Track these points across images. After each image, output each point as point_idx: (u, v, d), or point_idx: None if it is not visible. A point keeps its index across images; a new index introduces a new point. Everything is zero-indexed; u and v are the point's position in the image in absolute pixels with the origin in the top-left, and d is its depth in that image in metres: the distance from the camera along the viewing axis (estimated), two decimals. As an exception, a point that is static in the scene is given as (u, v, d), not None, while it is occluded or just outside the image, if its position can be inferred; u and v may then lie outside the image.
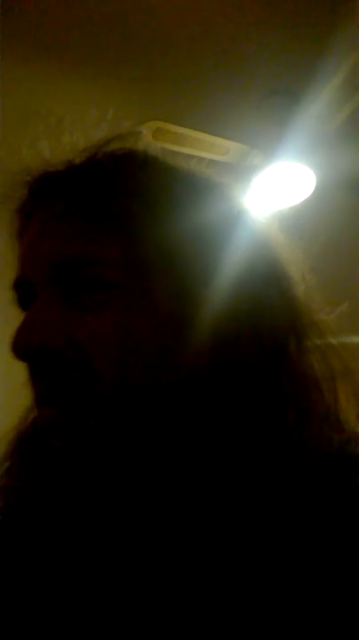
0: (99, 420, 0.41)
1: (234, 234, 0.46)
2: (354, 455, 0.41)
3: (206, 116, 2.16)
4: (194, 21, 1.94)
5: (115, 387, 0.41)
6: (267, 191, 2.06)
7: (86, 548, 0.42)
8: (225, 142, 1.99)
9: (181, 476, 0.40)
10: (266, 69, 2.11)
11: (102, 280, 0.42)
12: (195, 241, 0.44)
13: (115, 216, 0.43)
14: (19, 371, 0.49)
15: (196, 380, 0.41)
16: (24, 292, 0.47)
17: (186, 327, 0.42)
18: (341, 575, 0.36)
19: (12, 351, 0.42)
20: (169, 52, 2.05)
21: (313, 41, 1.99)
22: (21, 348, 0.42)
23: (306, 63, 2.07)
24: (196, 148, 1.94)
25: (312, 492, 0.39)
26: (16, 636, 0.40)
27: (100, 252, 0.42)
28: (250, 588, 0.37)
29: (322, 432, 0.41)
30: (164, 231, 0.44)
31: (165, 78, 2.12)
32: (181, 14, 1.92)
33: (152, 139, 1.90)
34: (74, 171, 0.48)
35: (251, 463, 0.39)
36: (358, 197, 2.16)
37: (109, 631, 0.39)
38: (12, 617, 0.41)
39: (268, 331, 0.44)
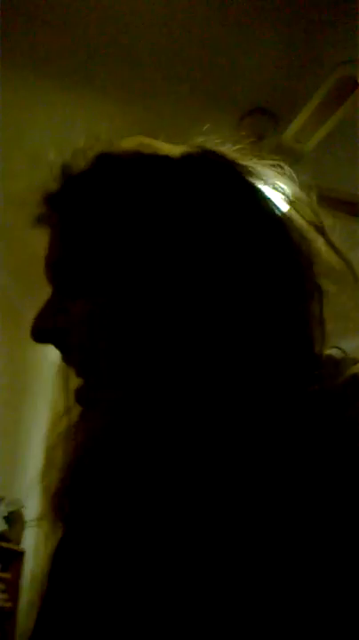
0: (96, 387, 0.51)
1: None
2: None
3: (185, 133, 2.19)
4: (178, 41, 1.99)
5: (95, 361, 0.49)
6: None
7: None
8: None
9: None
10: (245, 88, 2.16)
11: (74, 273, 0.52)
12: (147, 233, 0.49)
13: (80, 220, 0.52)
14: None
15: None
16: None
17: (130, 314, 0.48)
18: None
19: (31, 337, 0.54)
20: (149, 71, 2.09)
21: (292, 61, 2.04)
22: (33, 332, 0.54)
23: (285, 83, 2.13)
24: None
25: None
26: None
27: (70, 251, 0.53)
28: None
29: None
30: (116, 227, 0.50)
31: (146, 96, 2.16)
32: (162, 34, 1.97)
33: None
34: (59, 186, 0.56)
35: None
36: (338, 214, 2.20)
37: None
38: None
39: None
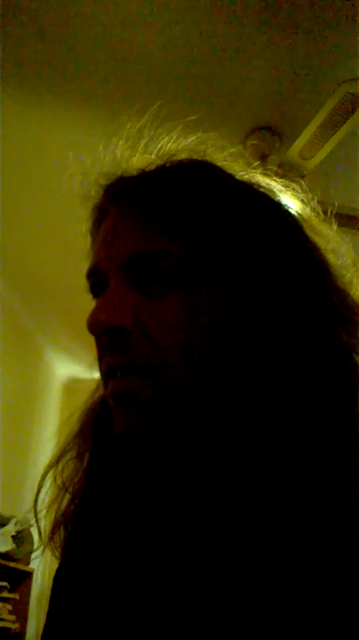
0: (161, 390, 0.48)
1: (279, 238, 0.52)
2: None
3: (190, 151, 2.21)
4: (182, 61, 2.01)
5: (174, 362, 0.48)
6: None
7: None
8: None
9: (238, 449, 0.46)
10: (249, 107, 2.18)
11: (167, 271, 0.49)
12: (245, 243, 0.50)
13: (178, 218, 0.50)
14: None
15: (245, 364, 0.47)
16: (97, 280, 0.53)
17: (238, 318, 0.48)
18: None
19: (88, 328, 0.49)
20: (152, 89, 2.11)
21: (296, 79, 2.06)
22: (96, 325, 0.48)
23: (288, 101, 2.15)
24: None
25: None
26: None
27: (166, 247, 0.49)
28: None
29: None
30: (219, 233, 0.50)
31: (152, 115, 2.18)
32: (164, 53, 1.99)
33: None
34: (145, 176, 0.55)
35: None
36: (343, 230, 2.20)
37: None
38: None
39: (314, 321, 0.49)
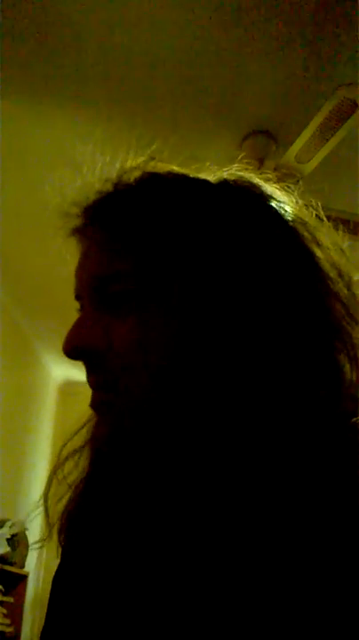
0: (128, 404, 0.50)
1: (236, 244, 0.51)
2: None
3: (188, 155, 2.22)
4: (180, 64, 2.02)
5: (138, 378, 0.50)
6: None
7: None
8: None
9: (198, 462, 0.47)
10: (246, 111, 2.19)
11: (124, 292, 0.50)
12: (199, 253, 0.50)
13: (130, 236, 0.51)
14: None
15: (205, 381, 0.48)
16: (81, 302, 0.56)
17: (193, 331, 0.49)
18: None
19: (64, 353, 0.51)
20: (154, 94, 2.12)
21: (293, 83, 2.07)
22: (67, 349, 0.51)
23: (285, 105, 2.16)
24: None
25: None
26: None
27: (119, 267, 0.51)
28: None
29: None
30: (170, 244, 0.50)
31: (147, 118, 2.19)
32: (163, 58, 2.00)
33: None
34: (102, 200, 0.56)
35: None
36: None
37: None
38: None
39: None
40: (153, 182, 0.55)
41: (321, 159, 2.04)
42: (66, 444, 0.59)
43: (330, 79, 1.99)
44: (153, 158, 0.59)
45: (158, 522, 0.48)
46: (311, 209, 0.58)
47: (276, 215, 0.55)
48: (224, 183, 0.56)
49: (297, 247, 0.53)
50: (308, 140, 1.97)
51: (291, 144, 2.02)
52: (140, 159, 0.59)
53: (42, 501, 0.57)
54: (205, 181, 0.57)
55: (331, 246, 0.55)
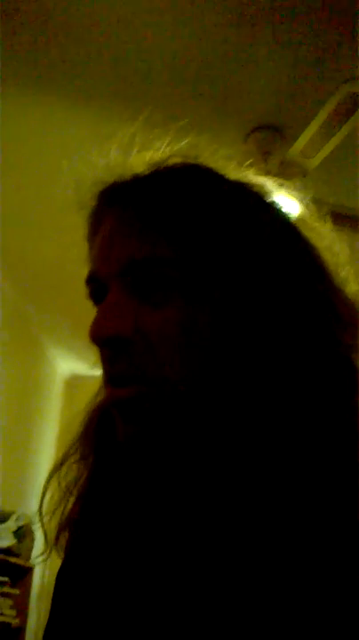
0: (161, 400, 0.48)
1: (273, 240, 0.52)
2: None
3: (192, 150, 2.22)
4: (184, 59, 2.02)
5: (174, 372, 0.48)
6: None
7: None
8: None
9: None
10: (251, 105, 2.19)
11: (164, 278, 0.48)
12: (239, 246, 0.50)
13: (172, 223, 0.49)
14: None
15: (247, 372, 0.47)
16: (96, 286, 0.53)
17: (238, 324, 0.48)
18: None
19: (91, 339, 0.48)
20: (160, 87, 2.12)
21: (298, 78, 2.07)
22: (98, 335, 0.48)
23: (291, 100, 2.15)
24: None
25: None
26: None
27: (161, 253, 0.48)
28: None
29: None
30: (212, 237, 0.50)
31: (155, 111, 2.19)
32: (167, 52, 2.00)
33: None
34: (139, 182, 0.54)
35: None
36: (343, 229, 2.21)
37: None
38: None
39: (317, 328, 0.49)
40: (193, 172, 0.54)
41: (326, 154, 2.03)
42: (68, 451, 0.58)
43: (335, 74, 1.98)
44: (194, 145, 0.58)
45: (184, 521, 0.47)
46: (314, 205, 0.59)
47: (281, 213, 0.55)
48: (238, 182, 0.56)
49: (304, 245, 0.54)
50: (314, 134, 1.97)
51: (297, 139, 2.01)
52: (177, 147, 0.58)
53: (39, 509, 0.57)
54: (237, 183, 0.56)
55: (333, 242, 0.56)
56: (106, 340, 0.48)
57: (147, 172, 0.54)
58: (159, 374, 0.48)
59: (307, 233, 0.55)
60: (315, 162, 2.06)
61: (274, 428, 0.45)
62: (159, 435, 0.49)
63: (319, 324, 0.49)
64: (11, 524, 3.22)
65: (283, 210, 0.56)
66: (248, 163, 0.60)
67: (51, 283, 3.45)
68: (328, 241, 0.56)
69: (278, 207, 0.56)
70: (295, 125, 2.13)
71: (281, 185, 0.59)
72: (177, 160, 0.55)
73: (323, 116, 1.91)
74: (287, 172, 2.09)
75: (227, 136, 2.26)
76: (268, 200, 0.56)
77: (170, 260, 0.48)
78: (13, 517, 3.25)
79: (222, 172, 0.56)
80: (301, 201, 0.59)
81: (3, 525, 3.19)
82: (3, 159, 2.49)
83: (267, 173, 2.12)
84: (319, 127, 1.94)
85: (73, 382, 4.88)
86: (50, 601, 0.54)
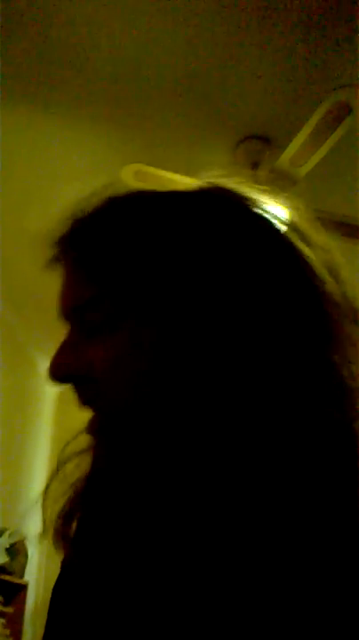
0: (109, 421, 0.52)
1: (211, 264, 0.50)
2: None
3: (184, 159, 2.23)
4: (173, 69, 2.02)
5: (112, 398, 0.51)
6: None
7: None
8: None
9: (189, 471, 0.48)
10: (240, 115, 2.19)
11: (96, 317, 0.52)
12: (170, 275, 0.50)
13: (93, 262, 0.53)
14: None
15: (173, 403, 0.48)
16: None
17: (166, 354, 0.49)
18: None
19: (50, 378, 0.54)
20: (149, 98, 2.12)
21: (287, 87, 2.08)
22: (54, 375, 0.54)
23: (280, 109, 2.16)
24: (175, 189, 2.00)
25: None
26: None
27: (88, 295, 0.52)
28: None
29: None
30: (132, 266, 0.51)
31: (145, 123, 2.19)
32: (158, 63, 2.00)
33: (133, 180, 1.96)
34: (70, 228, 0.56)
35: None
36: (333, 237, 2.21)
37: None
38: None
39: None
40: (114, 206, 0.56)
41: (315, 162, 2.04)
42: (69, 442, 0.59)
43: (323, 82, 1.99)
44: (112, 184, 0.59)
45: (155, 529, 0.48)
46: (301, 211, 0.57)
47: (257, 220, 0.54)
48: (201, 192, 0.56)
49: (282, 251, 0.52)
50: (303, 143, 1.97)
51: (286, 148, 2.02)
52: (102, 184, 0.59)
53: (41, 499, 0.58)
54: (175, 194, 0.57)
55: (322, 247, 0.54)
56: (60, 378, 0.53)
57: (76, 215, 0.57)
58: (102, 400, 0.52)
59: (298, 243, 0.53)
60: (304, 170, 2.06)
61: (221, 438, 0.46)
62: (111, 454, 0.53)
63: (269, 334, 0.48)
64: (4, 541, 3.18)
65: (251, 218, 0.54)
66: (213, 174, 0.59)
67: (40, 296, 3.43)
68: (325, 251, 0.54)
69: (240, 215, 0.54)
70: (284, 135, 2.14)
71: (265, 191, 0.58)
72: (98, 198, 0.57)
73: (311, 124, 1.91)
74: (276, 182, 2.09)
75: (216, 146, 2.27)
76: (219, 209, 0.54)
77: (94, 299, 0.52)
78: (6, 534, 3.21)
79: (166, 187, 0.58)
80: (290, 209, 0.58)
81: (-4, 543, 3.15)
82: (3, 178, 2.49)
83: (256, 183, 2.12)
84: (308, 136, 1.95)
85: (64, 397, 4.84)
86: (45, 617, 0.54)
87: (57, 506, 0.57)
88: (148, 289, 0.50)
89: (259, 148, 2.24)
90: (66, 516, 0.56)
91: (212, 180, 0.58)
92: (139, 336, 0.50)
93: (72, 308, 0.54)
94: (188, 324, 0.48)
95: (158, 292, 0.50)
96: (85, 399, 0.54)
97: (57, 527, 0.56)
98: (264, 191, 0.57)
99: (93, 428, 0.54)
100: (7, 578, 3.16)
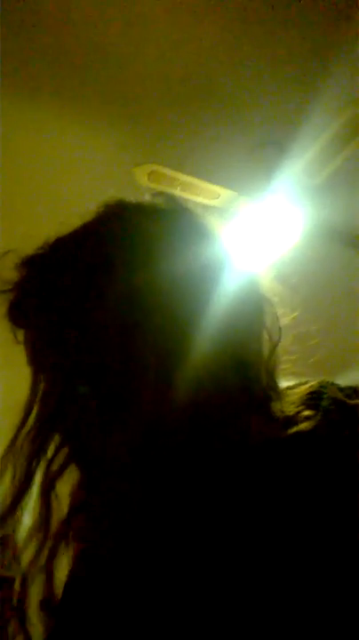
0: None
1: (214, 279, 0.52)
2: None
3: (199, 163, 2.23)
4: (189, 75, 2.02)
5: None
6: (254, 237, 2.12)
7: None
8: (215, 188, 2.05)
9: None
10: (258, 122, 2.19)
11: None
12: (169, 289, 0.50)
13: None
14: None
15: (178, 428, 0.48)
16: None
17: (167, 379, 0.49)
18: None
19: None
20: (167, 100, 2.12)
21: (305, 96, 2.08)
22: None
23: (297, 117, 2.16)
24: (188, 191, 2.00)
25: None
26: None
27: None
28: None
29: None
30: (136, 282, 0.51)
31: (163, 125, 2.19)
32: (177, 67, 2.00)
33: (147, 181, 1.96)
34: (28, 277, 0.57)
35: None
36: (345, 247, 2.23)
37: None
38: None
39: (251, 378, 0.52)
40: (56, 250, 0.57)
41: (330, 173, 2.04)
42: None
43: (341, 94, 1.99)
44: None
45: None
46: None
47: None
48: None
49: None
50: (318, 153, 1.97)
51: (301, 156, 2.02)
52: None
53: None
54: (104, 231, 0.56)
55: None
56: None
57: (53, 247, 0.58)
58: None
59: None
60: (318, 180, 2.06)
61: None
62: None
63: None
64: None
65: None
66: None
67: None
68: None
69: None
70: (299, 143, 2.14)
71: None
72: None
73: (327, 135, 1.91)
74: (291, 190, 2.09)
75: (231, 151, 2.27)
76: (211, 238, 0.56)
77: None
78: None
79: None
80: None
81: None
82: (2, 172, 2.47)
83: (272, 191, 2.12)
84: (323, 146, 1.95)
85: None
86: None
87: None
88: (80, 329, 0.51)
89: (274, 155, 2.24)
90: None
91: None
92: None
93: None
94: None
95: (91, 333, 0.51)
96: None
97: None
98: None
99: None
100: (-5, 570, 3.14)
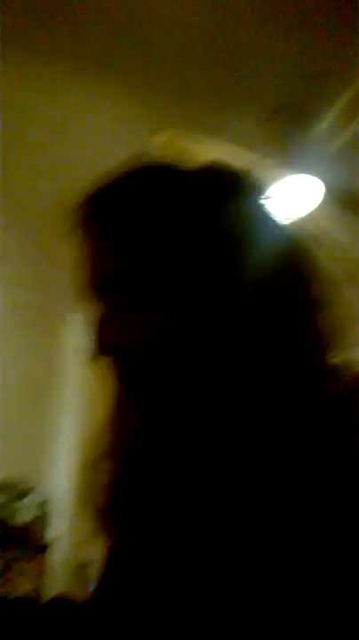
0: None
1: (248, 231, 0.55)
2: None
3: (214, 130, 2.20)
4: (203, 37, 1.99)
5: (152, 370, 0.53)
6: (275, 202, 2.10)
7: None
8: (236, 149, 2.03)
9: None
10: (273, 85, 2.15)
11: (115, 293, 0.53)
12: (188, 254, 0.52)
13: (120, 234, 0.53)
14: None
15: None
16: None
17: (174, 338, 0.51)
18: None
19: (95, 353, 0.54)
20: (177, 66, 2.09)
21: (321, 59, 2.04)
22: (97, 350, 0.54)
23: (314, 79, 2.12)
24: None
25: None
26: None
27: (115, 268, 0.52)
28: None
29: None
30: (159, 244, 0.52)
31: (174, 92, 2.17)
32: (190, 30, 1.97)
33: (164, 147, 1.95)
34: (99, 199, 0.56)
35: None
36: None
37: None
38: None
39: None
40: (143, 179, 0.56)
41: (349, 137, 2.01)
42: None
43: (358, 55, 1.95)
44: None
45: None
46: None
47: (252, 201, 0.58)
48: (210, 174, 0.58)
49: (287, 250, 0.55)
50: (336, 117, 1.94)
51: (320, 120, 1.99)
52: (127, 145, 0.60)
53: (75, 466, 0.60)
54: (195, 175, 0.57)
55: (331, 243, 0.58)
56: (106, 352, 0.54)
57: (104, 183, 0.56)
58: (147, 373, 0.53)
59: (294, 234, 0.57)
60: (337, 144, 2.03)
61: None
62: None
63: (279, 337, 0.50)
64: (32, 500, 3.26)
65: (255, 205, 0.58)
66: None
67: (62, 259, 3.41)
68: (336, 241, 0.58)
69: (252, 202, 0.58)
70: (318, 107, 2.10)
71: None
72: (130, 165, 0.57)
73: (346, 98, 1.88)
74: (308, 156, 2.07)
75: (247, 116, 2.24)
76: (245, 195, 0.58)
77: (126, 271, 0.52)
78: (34, 493, 3.29)
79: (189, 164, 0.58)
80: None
81: (24, 500, 3.23)
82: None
83: (288, 156, 2.10)
84: (342, 110, 1.91)
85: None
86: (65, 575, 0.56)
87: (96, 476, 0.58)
88: (178, 266, 0.51)
89: (291, 119, 2.21)
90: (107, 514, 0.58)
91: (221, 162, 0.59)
92: (141, 324, 0.51)
93: (101, 281, 0.54)
94: (190, 320, 0.51)
95: (188, 269, 0.51)
96: (124, 371, 0.54)
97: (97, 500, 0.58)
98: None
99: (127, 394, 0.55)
100: (32, 535, 3.24)
